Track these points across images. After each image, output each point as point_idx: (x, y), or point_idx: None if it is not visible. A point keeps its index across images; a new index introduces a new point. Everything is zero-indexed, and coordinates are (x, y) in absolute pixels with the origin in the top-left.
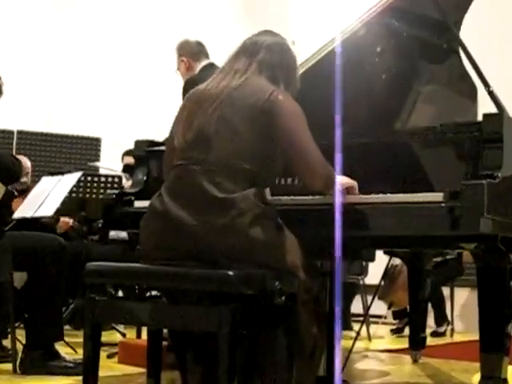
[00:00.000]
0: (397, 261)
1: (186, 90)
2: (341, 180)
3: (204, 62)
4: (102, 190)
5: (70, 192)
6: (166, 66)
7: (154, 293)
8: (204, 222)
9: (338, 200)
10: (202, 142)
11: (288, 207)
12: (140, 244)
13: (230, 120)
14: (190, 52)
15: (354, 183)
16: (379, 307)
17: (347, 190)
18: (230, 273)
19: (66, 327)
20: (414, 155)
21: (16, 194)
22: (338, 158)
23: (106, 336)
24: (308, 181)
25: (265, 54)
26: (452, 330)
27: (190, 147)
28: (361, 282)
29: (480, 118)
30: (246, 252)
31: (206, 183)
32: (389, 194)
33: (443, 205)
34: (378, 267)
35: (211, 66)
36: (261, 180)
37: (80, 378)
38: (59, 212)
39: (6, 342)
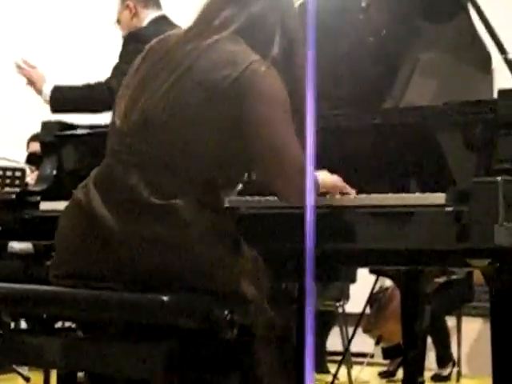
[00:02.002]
0: (387, 282)
1: (126, 50)
2: (323, 179)
3: (155, 14)
4: None
5: None
6: (94, 19)
7: (67, 324)
8: (134, 233)
9: (310, 201)
10: (146, 127)
11: (247, 211)
12: (55, 252)
13: (186, 101)
14: None
15: (342, 184)
16: (364, 343)
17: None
18: (166, 299)
19: None
20: (410, 144)
21: None
22: (311, 146)
23: (5, 381)
24: (281, 191)
25: (262, 7)
26: (458, 373)
27: (131, 131)
28: (339, 310)
29: (495, 94)
30: (189, 274)
31: (141, 183)
32: (376, 195)
33: (447, 209)
34: (361, 290)
35: (164, 20)
36: (217, 184)
37: None
38: None
39: None
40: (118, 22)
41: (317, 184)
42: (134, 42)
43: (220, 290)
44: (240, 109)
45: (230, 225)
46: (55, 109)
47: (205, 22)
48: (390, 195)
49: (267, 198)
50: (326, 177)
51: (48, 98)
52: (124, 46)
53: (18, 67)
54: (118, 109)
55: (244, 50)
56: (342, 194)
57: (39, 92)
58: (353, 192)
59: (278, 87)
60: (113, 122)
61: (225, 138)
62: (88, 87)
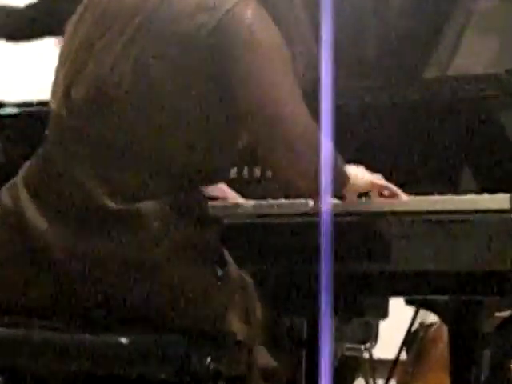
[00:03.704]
0: (430, 317)
1: None
2: (356, 174)
3: None
4: None
5: None
6: None
7: None
8: (82, 250)
9: (326, 202)
10: (97, 105)
11: (235, 220)
12: None
13: (149, 66)
14: None
15: (390, 186)
16: None
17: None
18: (126, 341)
19: None
20: (460, 126)
21: None
22: (328, 132)
23: None
24: (286, 173)
25: None
26: None
27: (75, 113)
28: (365, 356)
29: None
30: (157, 305)
31: (92, 181)
32: (417, 197)
33: None
34: (395, 329)
35: None
36: (196, 180)
37: None
38: None
39: None
40: None
41: (343, 176)
42: None
43: (199, 327)
44: (223, 69)
45: (213, 238)
46: None
47: None
48: (433, 198)
49: (279, 201)
50: (361, 173)
51: None
52: None
53: None
54: (55, 85)
55: None
56: (385, 196)
57: None
58: (403, 195)
59: (271, 34)
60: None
61: (205, 110)
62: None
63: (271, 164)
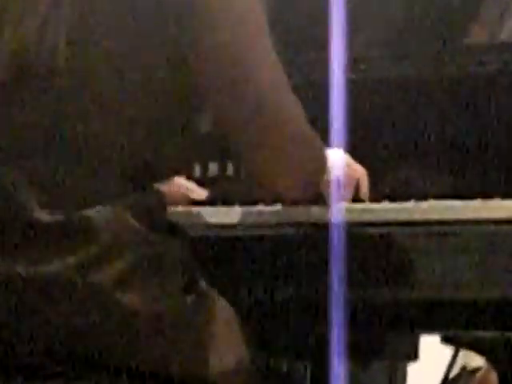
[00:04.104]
0: (475, 360)
1: None
2: (339, 163)
3: None
4: None
5: None
6: None
7: None
8: (7, 276)
9: (337, 215)
10: (23, 81)
11: (212, 233)
12: None
13: (94, 28)
14: None
15: (360, 173)
16: None
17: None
18: None
19: None
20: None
21: None
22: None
23: None
24: (266, 172)
25: None
26: None
27: None
28: None
29: None
30: (111, 345)
31: (19, 184)
32: (452, 201)
33: None
34: (427, 375)
35: None
36: (156, 177)
37: None
38: None
39: None
40: None
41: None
42: None
43: (163, 373)
44: (189, 36)
45: (180, 254)
46: None
47: None
48: (475, 202)
49: (261, 207)
50: (343, 163)
51: None
52: None
53: None
54: None
55: None
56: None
57: None
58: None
59: None
60: None
61: (168, 87)
62: None
63: (244, 155)
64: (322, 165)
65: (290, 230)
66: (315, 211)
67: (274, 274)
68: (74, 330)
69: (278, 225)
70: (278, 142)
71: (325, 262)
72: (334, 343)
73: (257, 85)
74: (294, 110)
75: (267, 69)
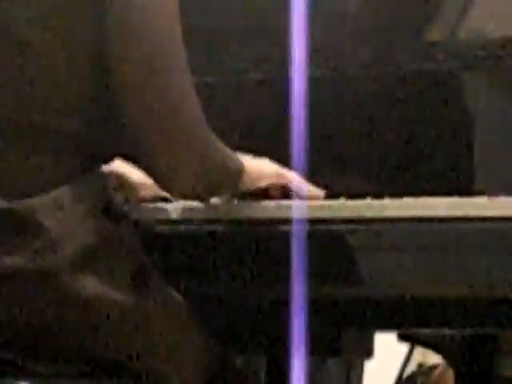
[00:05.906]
0: (431, 358)
1: None
2: (257, 168)
3: None
4: None
5: None
6: None
7: None
8: None
9: (298, 213)
10: None
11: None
12: None
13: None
14: None
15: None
16: None
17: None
18: None
19: None
20: (477, 109)
21: None
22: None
23: None
24: (160, 163)
25: None
26: None
27: None
28: None
29: None
30: (56, 331)
31: None
32: (418, 199)
33: None
34: (383, 373)
35: None
36: (95, 151)
37: None
38: None
39: None
40: None
41: (236, 166)
42: None
43: (113, 364)
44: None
45: (129, 241)
46: None
47: None
48: (444, 200)
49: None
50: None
51: None
52: None
53: None
54: None
55: None
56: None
57: None
58: (318, 192)
59: None
60: None
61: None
62: None
63: (141, 142)
64: (224, 167)
65: (228, 227)
66: (268, 207)
67: (227, 268)
68: (25, 321)
69: (216, 221)
70: (174, 127)
71: (280, 260)
72: (289, 340)
73: (155, 86)
74: (198, 110)
75: (165, 20)
